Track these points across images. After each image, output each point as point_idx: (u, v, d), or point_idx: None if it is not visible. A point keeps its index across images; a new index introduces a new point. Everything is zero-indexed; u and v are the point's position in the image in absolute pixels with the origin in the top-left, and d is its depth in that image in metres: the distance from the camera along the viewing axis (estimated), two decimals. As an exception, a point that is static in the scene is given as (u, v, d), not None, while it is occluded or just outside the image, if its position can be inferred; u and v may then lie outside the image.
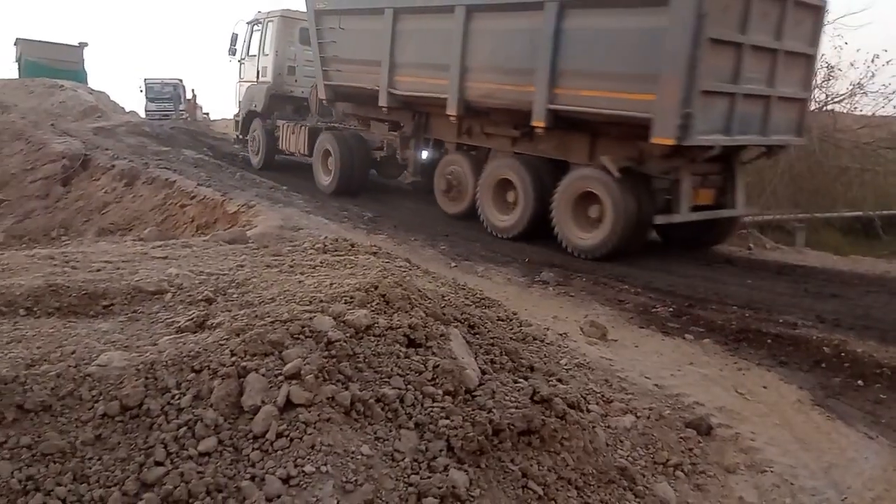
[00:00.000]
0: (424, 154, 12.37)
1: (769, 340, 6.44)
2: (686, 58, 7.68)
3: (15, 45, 29.63)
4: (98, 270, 4.77)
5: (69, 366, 3.13)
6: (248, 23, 16.28)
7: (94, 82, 29.61)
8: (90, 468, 2.77)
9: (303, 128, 14.33)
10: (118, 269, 4.89)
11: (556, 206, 9.49)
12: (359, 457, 2.96)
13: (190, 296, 4.27)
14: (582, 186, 9.26)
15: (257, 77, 15.94)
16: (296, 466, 2.84)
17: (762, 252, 10.64)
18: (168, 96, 29.45)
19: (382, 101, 11.72)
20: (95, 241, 10.49)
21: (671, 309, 7.23)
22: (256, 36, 15.99)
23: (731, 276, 8.87)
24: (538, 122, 9.27)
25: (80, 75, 28.83)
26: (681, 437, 4.34)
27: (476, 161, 11.17)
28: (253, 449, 2.92)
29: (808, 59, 9.31)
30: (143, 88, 29.32)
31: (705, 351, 6.21)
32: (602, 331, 6.30)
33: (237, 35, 16.58)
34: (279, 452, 2.90)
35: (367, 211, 11.50)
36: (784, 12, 8.53)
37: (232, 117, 18.42)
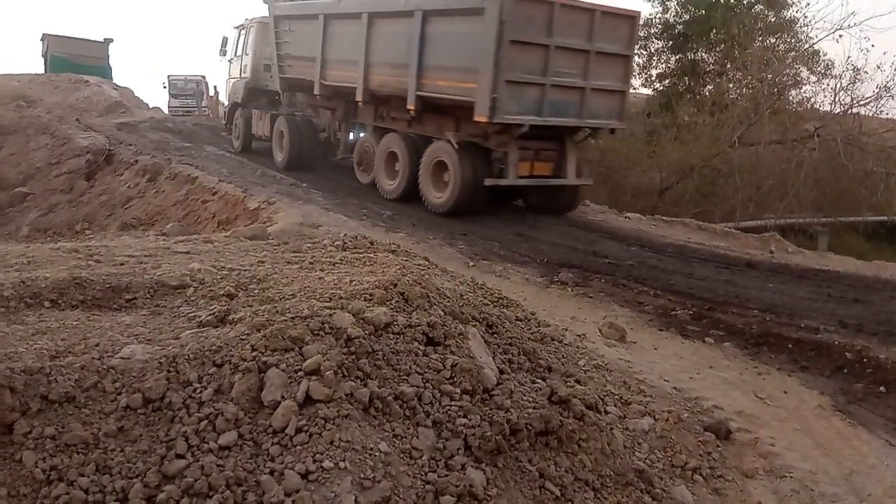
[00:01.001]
0: (352, 135, 14.60)
1: (790, 345, 6.36)
2: (492, 55, 9.65)
3: (42, 40, 30.08)
4: (121, 264, 4.84)
5: (93, 358, 3.19)
6: (235, 28, 18.74)
7: (118, 78, 30.06)
8: (112, 459, 2.82)
9: (267, 114, 16.46)
10: (141, 263, 4.95)
11: (421, 172, 11.55)
12: (377, 453, 2.98)
13: (212, 291, 4.31)
14: (436, 157, 11.27)
15: (240, 74, 18.24)
16: (314, 462, 2.86)
17: (784, 256, 10.51)
18: (191, 93, 29.74)
19: (316, 90, 13.97)
20: (118, 236, 10.63)
21: (691, 312, 7.17)
22: (242, 39, 18.35)
23: (752, 279, 8.78)
24: (410, 106, 11.29)
25: (105, 71, 29.19)
26: (699, 441, 4.31)
27: (380, 140, 12.97)
28: (272, 443, 2.95)
29: (625, 59, 11.18)
30: (167, 85, 29.63)
31: (725, 354, 6.16)
32: (621, 332, 6.26)
33: (227, 38, 19.17)
34: (298, 447, 2.92)
35: (385, 209, 11.54)
36: (593, 20, 10.31)
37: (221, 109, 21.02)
